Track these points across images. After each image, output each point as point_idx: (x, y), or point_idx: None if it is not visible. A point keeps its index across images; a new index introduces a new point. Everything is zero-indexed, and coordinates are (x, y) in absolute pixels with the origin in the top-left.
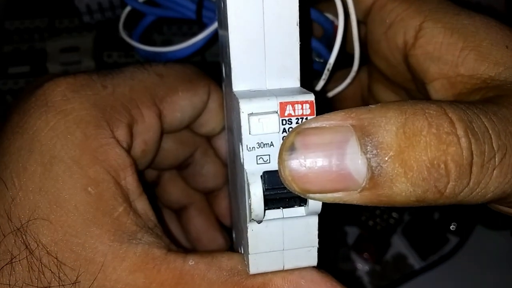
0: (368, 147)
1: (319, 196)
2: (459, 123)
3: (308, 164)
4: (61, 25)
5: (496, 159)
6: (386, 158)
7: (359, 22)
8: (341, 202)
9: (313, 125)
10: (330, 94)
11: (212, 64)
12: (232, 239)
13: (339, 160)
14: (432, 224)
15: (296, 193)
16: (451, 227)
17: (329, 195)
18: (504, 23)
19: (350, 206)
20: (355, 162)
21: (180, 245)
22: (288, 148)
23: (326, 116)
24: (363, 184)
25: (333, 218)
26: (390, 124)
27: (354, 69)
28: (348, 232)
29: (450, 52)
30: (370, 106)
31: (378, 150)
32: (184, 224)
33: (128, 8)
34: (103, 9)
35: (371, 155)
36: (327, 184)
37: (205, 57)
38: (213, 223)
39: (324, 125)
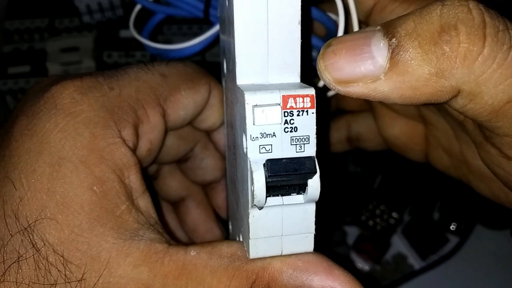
0: (389, 33)
1: (350, 88)
2: (472, 1)
3: (338, 53)
4: (61, 25)
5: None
6: (403, 35)
7: (361, 23)
8: (372, 93)
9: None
10: (330, 93)
11: (212, 64)
12: (228, 231)
13: (365, 47)
14: (432, 224)
15: (332, 87)
16: (451, 227)
17: (361, 85)
18: (504, 12)
19: (350, 205)
20: (378, 46)
21: (177, 237)
22: (325, 46)
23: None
24: (385, 65)
25: (333, 218)
26: (410, 14)
27: None
28: (348, 232)
29: None
30: None
31: (397, 32)
32: (181, 216)
33: (138, 7)
34: (103, 9)
35: (391, 38)
36: (355, 70)
37: (205, 57)
38: (210, 215)
39: (357, 32)
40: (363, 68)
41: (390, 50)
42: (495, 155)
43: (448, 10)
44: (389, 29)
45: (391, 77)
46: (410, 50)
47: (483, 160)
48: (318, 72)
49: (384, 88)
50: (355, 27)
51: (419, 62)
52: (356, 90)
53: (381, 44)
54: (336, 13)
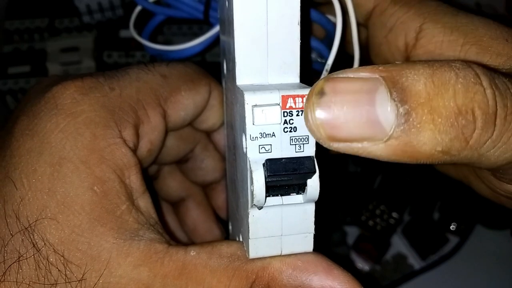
0: (398, 95)
1: (342, 145)
2: (483, 76)
3: (336, 109)
4: (61, 25)
5: None
6: (416, 105)
7: (360, 26)
8: (366, 154)
9: (343, 75)
10: None
11: (211, 64)
12: (228, 231)
13: (368, 106)
14: (432, 224)
15: (321, 141)
16: (451, 227)
17: (355, 144)
18: (504, 23)
19: (350, 205)
20: (384, 109)
21: (177, 237)
22: (317, 92)
23: (353, 69)
24: (390, 132)
25: (333, 218)
26: (418, 74)
27: None
28: (348, 232)
29: (451, 48)
30: (396, 62)
31: (408, 98)
32: (181, 216)
33: (138, 8)
34: (103, 9)
35: (400, 102)
36: (354, 131)
37: (205, 57)
38: (210, 215)
39: (354, 76)
40: (364, 131)
41: (399, 119)
42: (487, 174)
43: (464, 87)
44: (395, 87)
45: (392, 144)
46: (423, 125)
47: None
48: (307, 122)
49: (381, 152)
50: (354, 29)
51: (430, 139)
52: (349, 149)
53: (388, 108)
54: (335, 15)
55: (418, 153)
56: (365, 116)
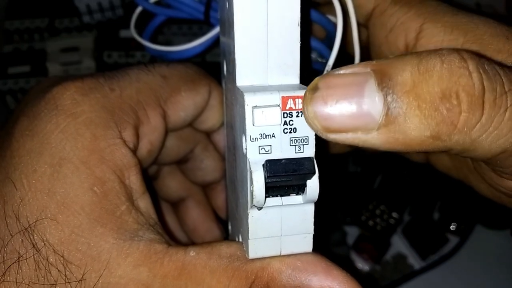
0: (385, 85)
1: (339, 136)
2: (470, 60)
3: (329, 102)
4: (61, 25)
5: (508, 98)
6: (401, 93)
7: (360, 26)
8: (362, 143)
9: (336, 72)
10: None
11: (211, 64)
12: (227, 231)
13: (358, 98)
14: (432, 224)
15: (319, 133)
16: (451, 227)
17: (350, 135)
18: (504, 23)
19: (350, 205)
20: (372, 99)
21: (176, 237)
22: (312, 88)
23: (347, 66)
24: (380, 120)
25: (333, 218)
26: (406, 65)
27: None
28: (348, 232)
29: (451, 47)
30: (389, 56)
31: (394, 87)
32: (181, 216)
33: (139, 9)
34: (103, 9)
35: (387, 92)
36: (347, 121)
37: (205, 58)
38: (210, 215)
39: (346, 72)
40: (356, 120)
41: (386, 107)
42: (487, 170)
43: (448, 71)
44: (383, 78)
45: (384, 133)
46: (408, 111)
47: (475, 168)
48: (304, 116)
49: (376, 141)
50: (354, 30)
51: (417, 125)
52: (345, 139)
53: (376, 98)
54: (335, 16)
55: (410, 140)
56: (355, 107)
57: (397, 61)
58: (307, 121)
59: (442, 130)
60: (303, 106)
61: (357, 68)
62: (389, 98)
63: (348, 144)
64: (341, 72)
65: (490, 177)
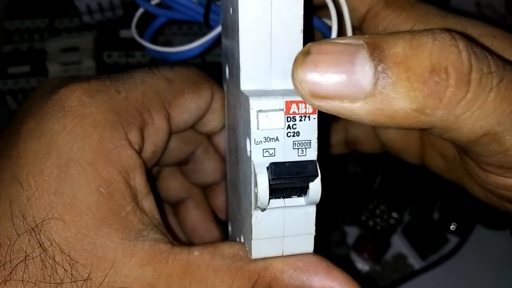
0: (376, 55)
1: (324, 103)
2: (460, 40)
3: (320, 67)
4: (61, 25)
5: (494, 80)
6: (392, 64)
7: (355, 29)
8: (347, 113)
9: (329, 40)
10: None
11: (211, 65)
12: (227, 232)
13: (349, 65)
14: (432, 224)
15: (305, 98)
16: (451, 227)
17: (336, 103)
18: (504, 23)
19: (350, 205)
20: (363, 68)
21: (177, 237)
22: (303, 52)
23: (341, 37)
24: (368, 89)
25: (333, 218)
26: (398, 39)
27: None
28: (348, 232)
29: None
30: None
31: (385, 58)
32: (181, 217)
33: (140, 10)
34: (103, 9)
35: (378, 62)
36: (335, 88)
37: (205, 58)
38: (209, 216)
39: (339, 41)
40: (344, 88)
41: (376, 76)
42: (473, 166)
43: (439, 48)
44: (375, 50)
45: (370, 103)
46: (397, 82)
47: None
48: (292, 79)
49: (361, 111)
50: (349, 33)
51: (404, 96)
52: (330, 106)
53: (367, 67)
54: (331, 19)
55: (394, 112)
56: (345, 75)
57: (390, 36)
58: (294, 85)
59: (428, 103)
60: (292, 69)
61: (351, 39)
62: (379, 68)
63: (332, 113)
64: (335, 41)
65: (477, 174)
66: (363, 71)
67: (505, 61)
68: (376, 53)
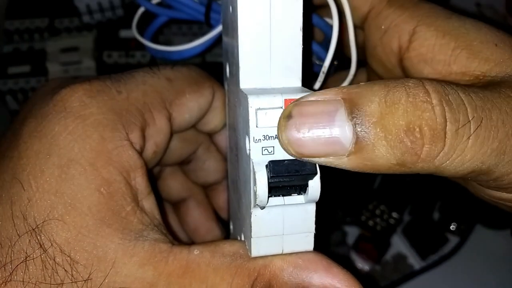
0: (354, 115)
1: (313, 159)
2: (434, 94)
3: (302, 129)
4: (61, 25)
5: (471, 127)
6: (369, 124)
7: (357, 28)
8: (333, 165)
9: (309, 98)
10: None
11: (212, 64)
12: (228, 231)
13: (329, 127)
14: (432, 224)
15: (293, 156)
16: (451, 227)
17: (322, 159)
18: (504, 23)
19: (350, 205)
20: (342, 129)
21: (178, 237)
22: (286, 115)
23: (321, 91)
24: (350, 148)
25: (333, 218)
26: (374, 95)
27: (351, 73)
28: (348, 232)
29: (442, 52)
30: (360, 83)
31: (363, 118)
32: (182, 216)
33: (141, 9)
34: (103, 9)
35: (356, 122)
36: (319, 148)
37: (205, 58)
38: (211, 215)
39: (319, 99)
40: (327, 147)
41: (355, 136)
42: (471, 182)
43: (412, 106)
44: (353, 108)
45: (354, 159)
46: (376, 142)
47: None
48: (279, 141)
49: (347, 165)
50: (351, 32)
51: (383, 153)
52: (318, 161)
53: (346, 127)
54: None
55: (378, 166)
56: (326, 135)
57: (365, 90)
58: (282, 146)
59: (407, 159)
60: (277, 133)
61: (329, 95)
62: (358, 128)
63: (322, 164)
64: (313, 99)
65: (477, 189)
66: (343, 132)
67: (493, 86)
68: (354, 112)
